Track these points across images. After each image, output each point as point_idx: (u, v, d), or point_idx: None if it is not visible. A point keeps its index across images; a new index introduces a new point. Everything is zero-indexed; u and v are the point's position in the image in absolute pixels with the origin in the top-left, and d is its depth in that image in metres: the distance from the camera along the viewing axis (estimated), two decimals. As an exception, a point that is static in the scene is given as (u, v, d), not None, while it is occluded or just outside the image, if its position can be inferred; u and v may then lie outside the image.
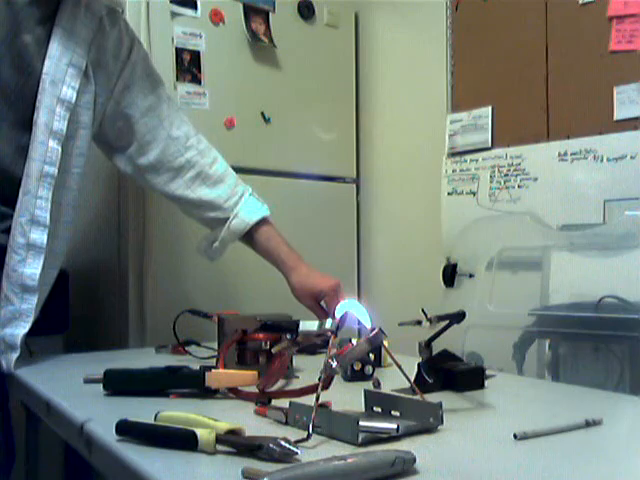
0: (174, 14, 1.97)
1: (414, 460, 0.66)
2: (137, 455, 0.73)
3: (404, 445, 0.75)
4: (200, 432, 0.73)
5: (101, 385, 1.06)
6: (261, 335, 1.15)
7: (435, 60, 2.21)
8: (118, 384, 1.04)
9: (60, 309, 1.92)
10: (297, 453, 0.69)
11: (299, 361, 1.20)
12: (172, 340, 1.47)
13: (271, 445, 0.69)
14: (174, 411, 0.82)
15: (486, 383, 1.08)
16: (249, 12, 2.13)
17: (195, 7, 2.01)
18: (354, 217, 2.41)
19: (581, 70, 1.85)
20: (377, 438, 0.77)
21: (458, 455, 0.75)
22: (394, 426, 0.78)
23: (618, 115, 1.77)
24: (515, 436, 0.76)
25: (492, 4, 2.08)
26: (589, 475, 0.68)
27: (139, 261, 1.88)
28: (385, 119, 2.42)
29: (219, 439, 0.73)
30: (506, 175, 2.00)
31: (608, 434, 0.80)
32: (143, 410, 0.85)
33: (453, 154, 2.15)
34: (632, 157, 1.73)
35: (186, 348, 1.45)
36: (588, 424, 0.81)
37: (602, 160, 1.79)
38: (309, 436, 0.75)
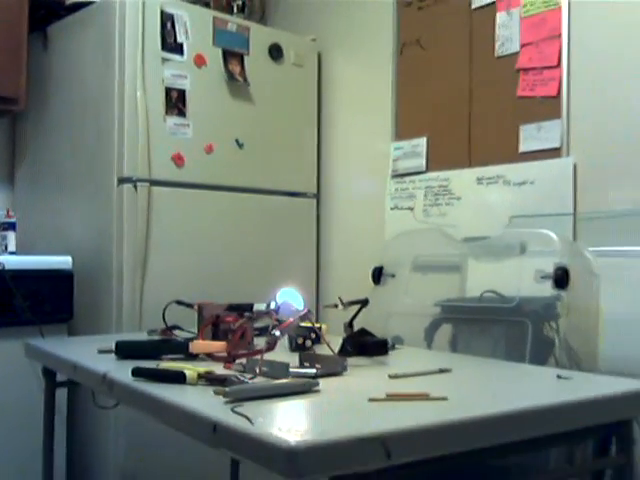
0: (164, 59, 2.38)
1: (317, 384, 1.08)
2: (147, 387, 1.14)
3: (320, 381, 1.17)
4: (187, 372, 1.15)
5: (112, 354, 1.46)
6: (230, 318, 1.56)
7: (383, 95, 2.64)
8: (127, 351, 1.44)
9: (65, 303, 2.33)
10: (248, 382, 1.10)
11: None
12: (161, 326, 1.86)
13: (232, 378, 1.11)
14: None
15: (390, 352, 1.50)
16: (227, 55, 2.54)
17: (182, 53, 2.42)
18: (314, 227, 2.84)
19: (496, 111, 2.29)
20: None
21: (350, 385, 1.17)
22: (313, 370, 1.20)
23: (522, 148, 2.21)
24: (389, 376, 1.19)
25: (429, 52, 2.51)
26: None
27: (134, 261, 2.28)
28: (342, 144, 2.85)
29: (199, 376, 1.14)
30: (436, 194, 2.44)
31: (450, 376, 1.23)
32: (146, 367, 1.26)
33: (395, 175, 2.58)
34: (532, 182, 2.17)
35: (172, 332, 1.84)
36: (441, 371, 1.24)
37: (510, 184, 2.23)
38: (256, 375, 1.16)
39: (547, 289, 1.69)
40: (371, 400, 1.03)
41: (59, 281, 2.31)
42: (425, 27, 2.49)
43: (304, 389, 1.06)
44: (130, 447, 2.22)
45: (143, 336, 1.87)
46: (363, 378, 1.24)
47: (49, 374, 1.75)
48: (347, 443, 0.84)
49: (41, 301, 2.26)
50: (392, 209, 2.56)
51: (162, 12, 2.38)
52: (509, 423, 1.00)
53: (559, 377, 1.24)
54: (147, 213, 2.30)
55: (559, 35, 2.10)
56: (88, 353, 1.53)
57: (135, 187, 2.29)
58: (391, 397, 1.04)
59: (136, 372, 1.19)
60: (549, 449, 1.44)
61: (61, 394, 2.05)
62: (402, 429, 0.89)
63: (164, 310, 1.83)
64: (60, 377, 1.80)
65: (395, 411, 0.99)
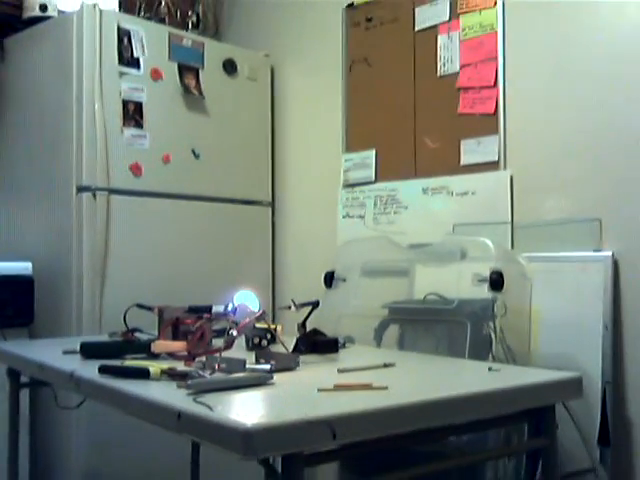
0: (121, 73, 2.46)
1: (272, 377, 1.19)
2: (114, 382, 1.23)
3: (275, 375, 1.28)
4: (151, 368, 1.24)
5: (77, 355, 1.54)
6: (189, 320, 1.65)
7: (334, 109, 2.77)
8: (91, 351, 1.52)
9: (26, 307, 2.38)
10: (206, 377, 1.20)
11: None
12: (122, 329, 1.93)
13: (193, 373, 1.21)
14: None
15: (341, 350, 1.62)
16: (182, 69, 2.64)
17: (138, 67, 2.51)
18: (269, 234, 2.95)
19: (439, 126, 2.44)
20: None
21: (302, 378, 1.28)
22: (268, 366, 1.30)
23: (463, 161, 2.36)
24: (338, 370, 1.30)
25: (376, 70, 2.65)
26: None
27: (93, 267, 2.34)
28: (295, 155, 2.97)
29: (162, 372, 1.24)
30: (385, 203, 2.57)
31: (393, 370, 1.35)
32: (112, 364, 1.34)
33: (346, 185, 2.71)
34: (473, 193, 2.33)
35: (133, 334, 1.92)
36: (385, 365, 1.36)
37: (452, 194, 2.38)
38: (215, 371, 1.26)
39: (484, 292, 1.84)
40: (320, 390, 1.14)
41: (20, 286, 2.37)
42: (372, 46, 2.64)
43: (260, 382, 1.17)
44: (92, 445, 2.28)
45: (104, 339, 1.93)
46: (314, 372, 1.36)
47: (13, 375, 1.81)
48: (297, 425, 0.95)
49: (2, 306, 2.31)
50: (344, 217, 2.69)
51: (119, 28, 2.46)
52: (441, 408, 1.12)
53: (490, 369, 1.38)
54: (106, 221, 2.37)
55: (495, 57, 2.26)
56: (53, 354, 1.60)
57: (94, 196, 2.36)
58: (338, 387, 1.16)
59: (102, 369, 1.28)
60: (486, 434, 1.58)
61: (22, 397, 2.10)
62: (346, 413, 1.00)
63: (125, 313, 1.90)
64: (23, 379, 1.87)
65: (341, 399, 1.11)
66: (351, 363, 1.43)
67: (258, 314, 1.38)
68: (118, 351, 1.52)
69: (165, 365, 1.27)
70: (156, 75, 2.55)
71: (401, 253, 2.10)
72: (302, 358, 1.41)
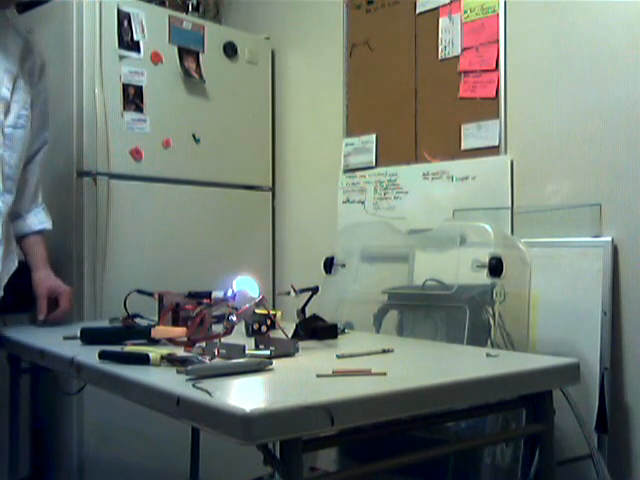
0: (121, 57, 2.44)
1: (271, 363, 1.19)
2: (114, 368, 1.24)
3: (274, 361, 1.28)
4: (151, 354, 1.25)
5: (77, 340, 1.54)
6: (189, 306, 1.66)
7: (334, 93, 2.76)
8: (91, 337, 1.53)
9: (27, 292, 2.38)
10: (206, 362, 1.21)
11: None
12: (123, 315, 1.94)
13: (193, 359, 1.22)
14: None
15: (340, 336, 1.63)
16: (183, 53, 2.62)
17: (138, 50, 2.49)
18: (270, 219, 2.95)
19: (440, 110, 2.43)
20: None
21: (301, 364, 1.29)
22: (267, 352, 1.31)
23: (464, 146, 2.36)
24: (337, 356, 1.31)
25: (377, 53, 2.64)
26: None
27: (94, 252, 2.35)
28: (295, 140, 2.96)
29: (162, 357, 1.24)
30: (385, 188, 2.57)
31: (392, 355, 1.36)
32: (112, 350, 1.35)
33: (347, 170, 2.71)
34: (473, 178, 2.32)
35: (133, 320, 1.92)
36: (384, 351, 1.37)
37: (453, 179, 2.38)
38: (214, 357, 1.27)
39: (483, 277, 1.84)
40: (319, 376, 1.15)
41: (20, 272, 2.36)
42: (373, 29, 2.62)
43: (259, 367, 1.18)
44: (93, 430, 2.30)
45: (105, 324, 1.94)
46: (313, 358, 1.36)
47: (14, 361, 1.83)
48: (296, 411, 0.96)
49: (3, 291, 2.31)
50: (344, 202, 2.69)
51: (119, 10, 2.45)
52: (439, 394, 1.13)
53: (488, 355, 1.39)
54: (107, 206, 2.37)
55: (497, 40, 2.25)
56: (53, 340, 1.61)
57: (94, 180, 2.36)
58: (337, 373, 1.17)
59: (102, 355, 1.29)
60: (483, 419, 1.59)
61: (23, 383, 2.11)
62: (344, 399, 1.01)
63: (125, 299, 1.90)
64: (23, 365, 1.88)
65: (339, 384, 1.11)
66: (350, 349, 1.44)
67: (258, 300, 1.39)
68: (118, 337, 1.52)
69: (165, 351, 1.28)
70: (156, 58, 2.54)
71: (401, 238, 2.10)
72: (301, 344, 1.42)
